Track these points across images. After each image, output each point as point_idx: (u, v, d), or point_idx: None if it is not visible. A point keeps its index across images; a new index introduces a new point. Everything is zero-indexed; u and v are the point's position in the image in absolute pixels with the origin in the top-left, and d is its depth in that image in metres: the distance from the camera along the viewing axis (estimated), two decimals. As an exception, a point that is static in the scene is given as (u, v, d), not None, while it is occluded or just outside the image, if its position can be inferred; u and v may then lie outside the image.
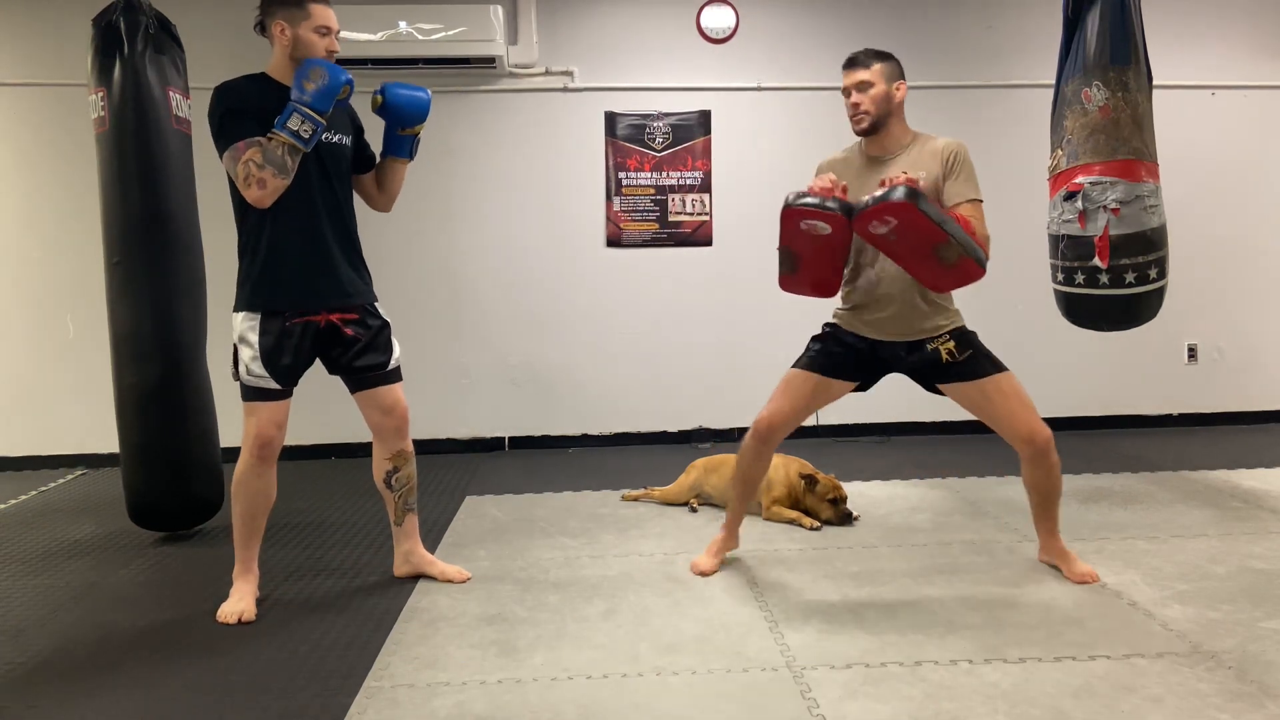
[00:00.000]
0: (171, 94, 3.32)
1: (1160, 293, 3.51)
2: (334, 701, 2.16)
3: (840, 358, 2.82)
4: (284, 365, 2.63)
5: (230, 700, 2.19)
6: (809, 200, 2.53)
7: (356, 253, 2.77)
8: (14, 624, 2.69)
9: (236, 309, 2.65)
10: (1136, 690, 2.11)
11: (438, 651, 2.42)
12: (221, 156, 2.55)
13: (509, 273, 4.97)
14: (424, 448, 5.05)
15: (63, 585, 3.01)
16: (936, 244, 2.44)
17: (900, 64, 2.76)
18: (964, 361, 2.72)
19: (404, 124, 2.75)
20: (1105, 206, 3.38)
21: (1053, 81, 3.64)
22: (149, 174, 3.26)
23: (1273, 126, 5.13)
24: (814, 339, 2.90)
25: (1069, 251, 3.50)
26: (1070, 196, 3.46)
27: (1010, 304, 5.02)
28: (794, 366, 2.87)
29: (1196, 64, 5.04)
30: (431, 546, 3.28)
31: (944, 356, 2.72)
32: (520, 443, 5.04)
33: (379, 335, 2.77)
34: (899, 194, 2.36)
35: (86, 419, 4.68)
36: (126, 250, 3.28)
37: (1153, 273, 3.44)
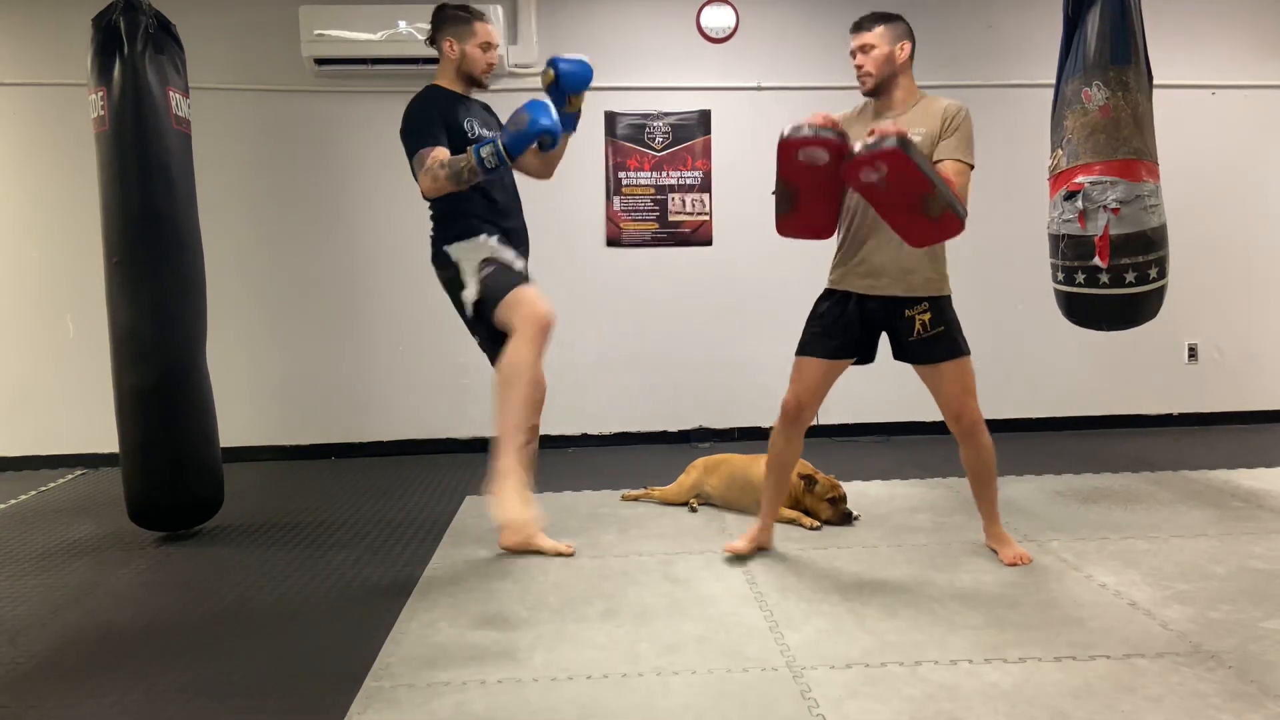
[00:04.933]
0: (171, 94, 3.32)
1: (1160, 292, 3.51)
2: (334, 701, 2.16)
3: (838, 336, 2.92)
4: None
5: (230, 700, 2.19)
6: (806, 130, 2.60)
7: None
8: (14, 624, 2.69)
9: (466, 237, 3.05)
10: (1136, 690, 2.11)
11: (438, 652, 2.42)
12: (410, 145, 2.94)
13: (509, 273, 4.96)
14: (424, 448, 5.09)
15: (63, 585, 3.01)
16: (923, 194, 2.52)
17: (907, 25, 2.86)
18: (932, 338, 2.85)
19: (572, 90, 3.05)
20: (1105, 206, 3.38)
21: (1053, 81, 3.64)
22: (149, 174, 3.26)
23: (1273, 126, 5.13)
24: (810, 320, 2.99)
25: (1069, 251, 3.50)
26: (1070, 196, 3.46)
27: (1010, 304, 5.03)
28: (798, 354, 2.98)
29: (1196, 64, 5.04)
30: (431, 546, 3.29)
31: (917, 328, 2.84)
32: (520, 443, 5.03)
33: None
34: (890, 142, 2.46)
35: (86, 419, 4.67)
36: (126, 250, 3.28)
37: (1153, 272, 3.44)
